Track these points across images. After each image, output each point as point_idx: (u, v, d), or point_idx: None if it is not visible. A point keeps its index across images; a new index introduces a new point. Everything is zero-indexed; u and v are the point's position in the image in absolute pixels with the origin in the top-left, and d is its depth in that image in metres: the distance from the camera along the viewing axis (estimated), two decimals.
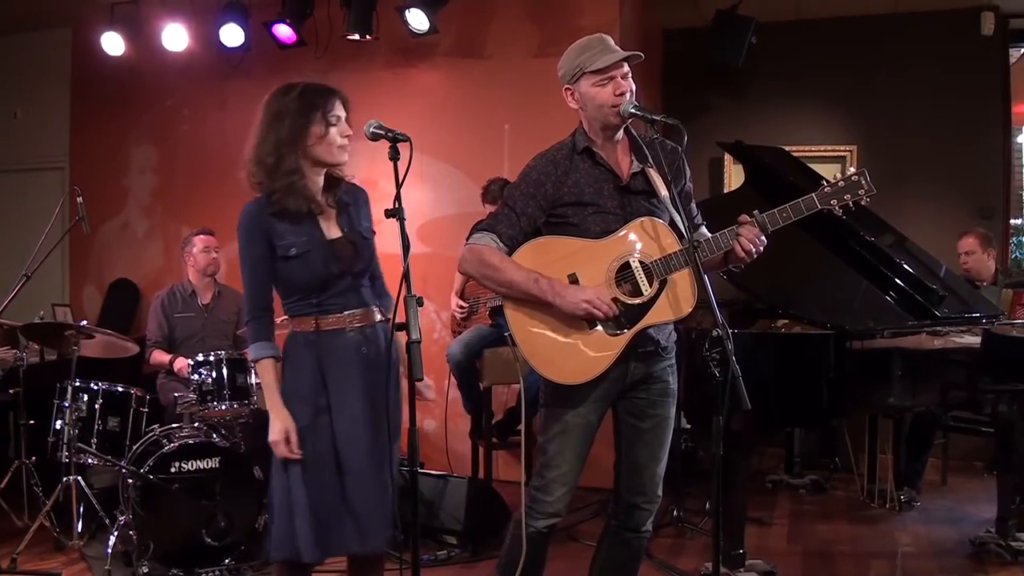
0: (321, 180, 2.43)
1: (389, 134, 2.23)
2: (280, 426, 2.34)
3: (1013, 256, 6.03)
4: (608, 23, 5.04)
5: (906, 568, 3.66)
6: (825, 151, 5.81)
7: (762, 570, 3.53)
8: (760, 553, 3.72)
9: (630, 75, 2.44)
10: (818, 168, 4.68)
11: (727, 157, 5.87)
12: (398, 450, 2.49)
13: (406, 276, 2.16)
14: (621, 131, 2.48)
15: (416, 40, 5.27)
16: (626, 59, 2.40)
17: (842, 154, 5.82)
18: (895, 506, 4.53)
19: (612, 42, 2.43)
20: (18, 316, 4.26)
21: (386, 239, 2.57)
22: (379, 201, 2.47)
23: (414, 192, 5.29)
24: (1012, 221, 5.92)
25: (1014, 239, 6.04)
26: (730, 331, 2.23)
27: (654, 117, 2.37)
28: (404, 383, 2.46)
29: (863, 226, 3.99)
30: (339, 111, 2.38)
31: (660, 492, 2.56)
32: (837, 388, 3.43)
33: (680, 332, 3.82)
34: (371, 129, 2.23)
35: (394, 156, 2.22)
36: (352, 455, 2.38)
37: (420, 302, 2.17)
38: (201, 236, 4.62)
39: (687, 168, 2.58)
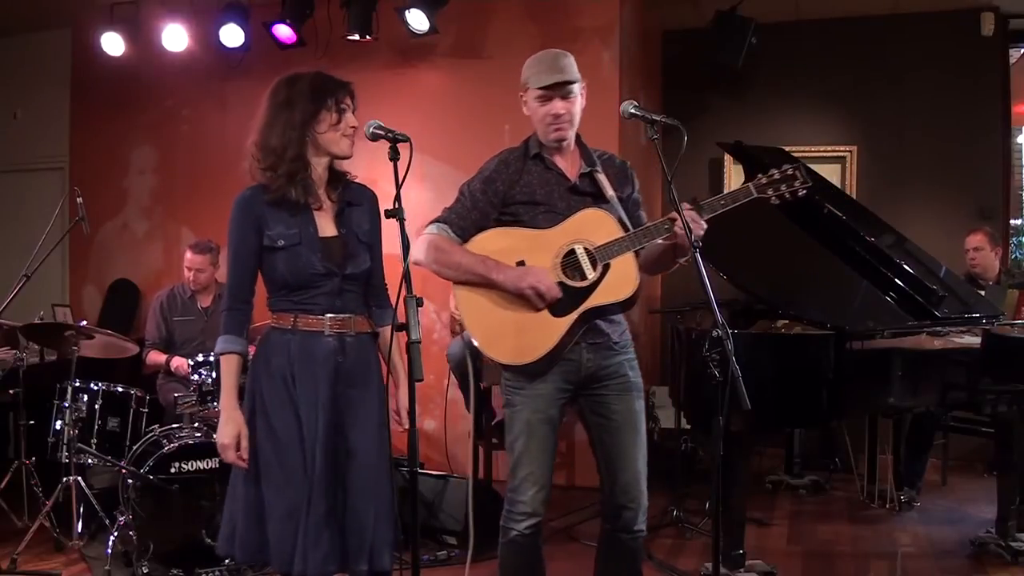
0: (325, 174, 2.39)
1: (389, 134, 2.22)
2: (231, 429, 2.24)
3: (1013, 256, 6.04)
4: (608, 24, 5.05)
5: (906, 568, 3.66)
6: (825, 151, 5.82)
7: (762, 570, 3.52)
8: (760, 553, 3.72)
9: (575, 93, 2.51)
10: (818, 168, 4.67)
11: (727, 157, 5.88)
12: (385, 473, 2.32)
13: (406, 276, 2.15)
14: (571, 143, 2.58)
15: (416, 40, 5.28)
16: (563, 83, 2.47)
17: (842, 154, 5.83)
18: (895, 506, 4.53)
19: (565, 62, 2.50)
20: (18, 316, 4.25)
21: (386, 239, 2.57)
22: (379, 201, 2.48)
23: (414, 192, 5.29)
24: (1012, 221, 5.93)
25: (1014, 239, 6.05)
26: (730, 331, 2.24)
27: (654, 117, 2.40)
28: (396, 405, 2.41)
29: (863, 226, 3.99)
30: (347, 102, 2.34)
31: (644, 489, 2.56)
32: (837, 389, 3.43)
33: (680, 332, 3.86)
34: (371, 129, 2.22)
35: (394, 156, 2.21)
36: (313, 468, 2.25)
37: (420, 302, 2.16)
38: (188, 253, 4.54)
39: (636, 181, 2.70)
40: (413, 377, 2.08)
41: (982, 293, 4.51)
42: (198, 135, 6.03)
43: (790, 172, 2.53)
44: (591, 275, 2.47)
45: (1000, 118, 5.68)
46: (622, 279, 2.48)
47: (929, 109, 5.68)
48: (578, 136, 2.61)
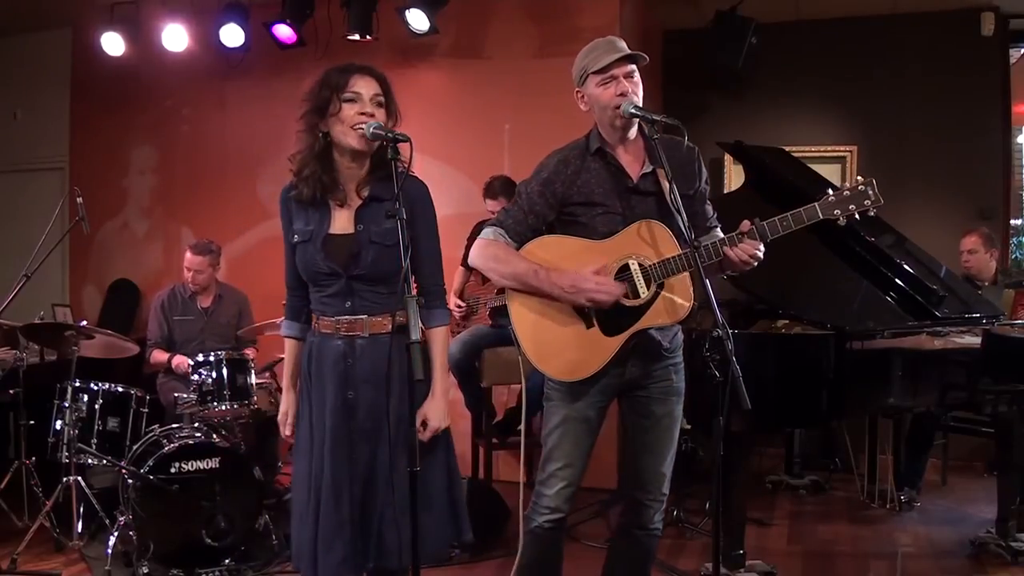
0: (361, 169, 2.29)
1: (389, 134, 2.21)
2: (282, 407, 2.42)
3: (1013, 256, 6.03)
4: (608, 24, 5.04)
5: (906, 568, 3.66)
6: (825, 151, 5.81)
7: (762, 571, 3.52)
8: (760, 553, 3.72)
9: (636, 75, 2.45)
10: (818, 168, 4.68)
11: (727, 157, 5.87)
12: (405, 477, 2.10)
13: (406, 276, 2.15)
14: (634, 131, 2.49)
15: (416, 40, 5.28)
16: (628, 58, 2.42)
17: (842, 154, 5.82)
18: (895, 506, 4.53)
19: (622, 44, 2.45)
20: (18, 316, 4.25)
21: None
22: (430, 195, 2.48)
23: None
24: (1012, 221, 5.92)
25: (1014, 239, 6.04)
26: (730, 331, 2.22)
27: (654, 117, 2.37)
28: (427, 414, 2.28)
29: (863, 226, 3.98)
30: (358, 87, 2.23)
31: (665, 490, 2.57)
32: (837, 389, 3.43)
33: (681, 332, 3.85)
34: (371, 130, 2.21)
35: (393, 156, 2.21)
36: (320, 474, 2.23)
37: (420, 302, 2.16)
38: (188, 253, 4.55)
39: (704, 169, 2.59)
40: (413, 377, 2.08)
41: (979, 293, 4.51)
42: (198, 135, 6.03)
43: (860, 188, 2.32)
44: (644, 294, 2.41)
45: (1000, 118, 5.68)
46: (676, 300, 2.41)
47: (929, 109, 5.67)
48: (640, 126, 2.47)
